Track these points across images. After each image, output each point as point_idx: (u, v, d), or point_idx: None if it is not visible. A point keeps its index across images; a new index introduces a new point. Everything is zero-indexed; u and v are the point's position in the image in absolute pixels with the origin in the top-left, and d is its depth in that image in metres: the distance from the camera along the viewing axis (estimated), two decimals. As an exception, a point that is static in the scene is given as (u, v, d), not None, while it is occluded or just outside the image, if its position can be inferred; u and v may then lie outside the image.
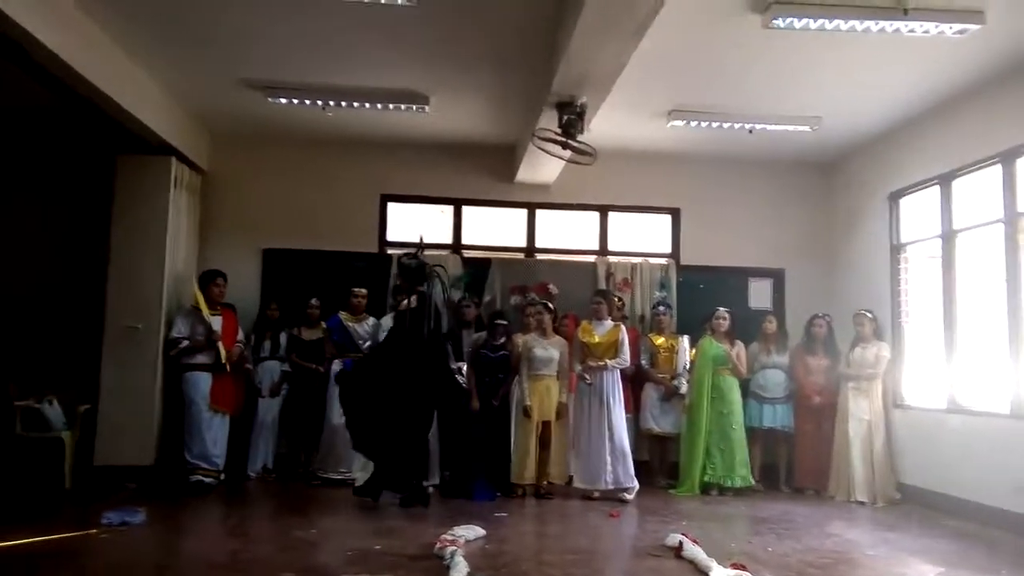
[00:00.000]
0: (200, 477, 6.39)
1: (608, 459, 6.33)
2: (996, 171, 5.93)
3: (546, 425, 6.40)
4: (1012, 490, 5.45)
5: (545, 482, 6.42)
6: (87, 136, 7.19)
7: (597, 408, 6.40)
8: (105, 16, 5.32)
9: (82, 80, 5.34)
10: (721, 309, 7.10)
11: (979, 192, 6.21)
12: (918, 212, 7.00)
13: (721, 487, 6.78)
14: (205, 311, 6.60)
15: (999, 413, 5.72)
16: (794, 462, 7.20)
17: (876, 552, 4.90)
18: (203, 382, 6.55)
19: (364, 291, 7.14)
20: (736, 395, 6.93)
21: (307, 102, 6.63)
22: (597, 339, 6.54)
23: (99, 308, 6.69)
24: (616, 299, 7.41)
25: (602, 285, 7.77)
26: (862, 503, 6.59)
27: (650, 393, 7.21)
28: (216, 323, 6.64)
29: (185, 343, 6.62)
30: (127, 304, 6.67)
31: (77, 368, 6.77)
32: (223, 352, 6.57)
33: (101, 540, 4.64)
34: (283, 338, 7.14)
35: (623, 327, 6.69)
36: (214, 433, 6.55)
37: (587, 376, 6.41)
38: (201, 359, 6.60)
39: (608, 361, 6.43)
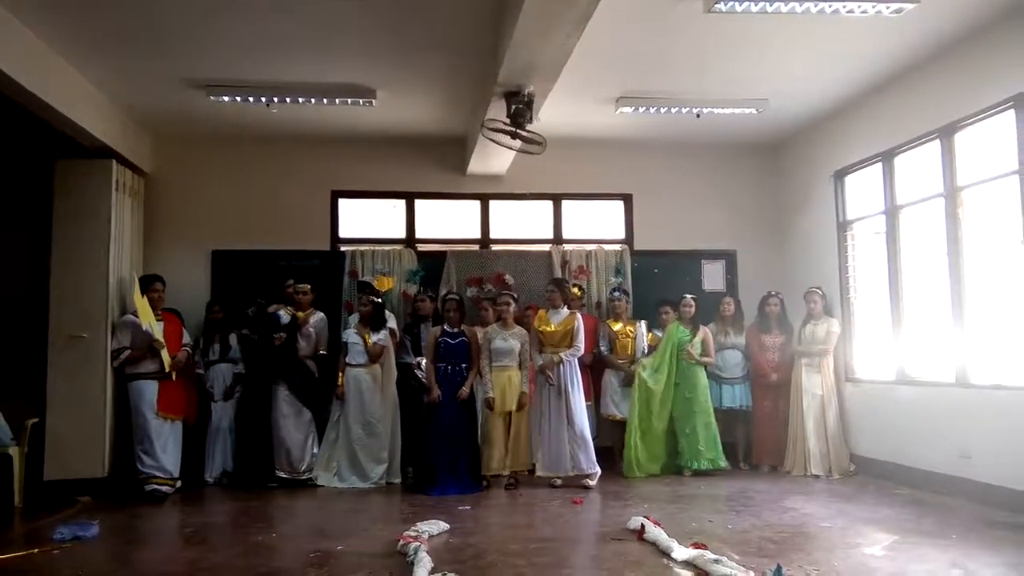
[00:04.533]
0: (156, 486, 6.26)
1: (568, 446, 6.37)
2: (935, 146, 6.08)
3: (510, 416, 6.41)
4: (959, 456, 5.63)
5: (512, 472, 6.42)
6: (23, 141, 6.96)
7: (556, 396, 6.43)
8: (34, 17, 5.14)
9: (13, 83, 5.16)
10: (688, 296, 7.22)
11: (920, 168, 6.36)
12: (863, 189, 7.15)
13: (690, 469, 6.86)
14: (150, 317, 6.44)
15: (945, 382, 5.89)
16: (752, 440, 7.32)
17: (832, 524, 5.02)
18: (149, 390, 6.40)
19: (308, 287, 7.01)
20: (701, 379, 6.99)
21: (251, 99, 6.50)
22: (553, 327, 6.56)
23: (43, 318, 6.48)
24: (575, 287, 7.44)
25: (558, 273, 7.79)
26: (817, 476, 6.74)
27: (610, 379, 7.25)
28: (158, 329, 6.49)
29: (127, 352, 6.46)
30: (71, 313, 6.47)
31: (22, 380, 6.56)
32: (167, 360, 6.44)
33: (53, 556, 4.51)
34: (233, 339, 7.01)
35: (579, 315, 6.73)
36: (164, 441, 6.42)
37: (551, 376, 6.42)
38: (146, 367, 6.45)
39: (562, 355, 6.45)
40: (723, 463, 6.92)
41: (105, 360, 6.49)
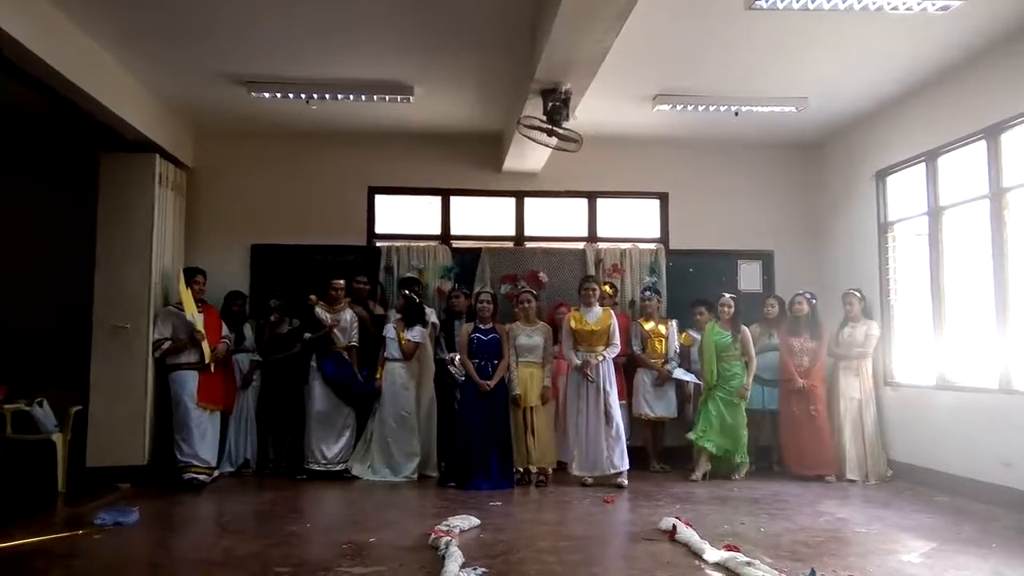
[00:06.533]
0: (194, 475, 6.38)
1: (606, 444, 6.36)
2: (981, 147, 5.94)
3: (531, 411, 6.46)
4: (1001, 464, 5.50)
5: (540, 469, 6.45)
6: (70, 134, 7.13)
7: (595, 395, 6.42)
8: (81, 13, 5.26)
9: (61, 78, 5.29)
10: (726, 295, 7.02)
11: (965, 168, 6.23)
12: (905, 190, 7.02)
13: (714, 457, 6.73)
14: (192, 309, 6.55)
15: (988, 388, 5.76)
16: (782, 446, 7.13)
17: (868, 529, 4.94)
18: (190, 380, 6.52)
19: (342, 283, 7.06)
20: (739, 381, 6.77)
21: (290, 95, 6.58)
22: (589, 326, 6.54)
23: (87, 308, 6.64)
24: (607, 285, 7.41)
25: (591, 272, 7.78)
26: (853, 481, 6.64)
27: (643, 378, 7.21)
28: (200, 321, 6.59)
29: (168, 343, 6.59)
30: (115, 303, 6.62)
31: (67, 369, 6.74)
32: (207, 351, 6.55)
33: (94, 540, 4.63)
34: (247, 329, 7.12)
35: (613, 313, 6.71)
36: (203, 430, 6.53)
37: (590, 374, 6.40)
38: (187, 358, 6.57)
39: (604, 354, 6.46)
40: (746, 460, 6.75)
41: (147, 350, 6.63)
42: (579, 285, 6.87)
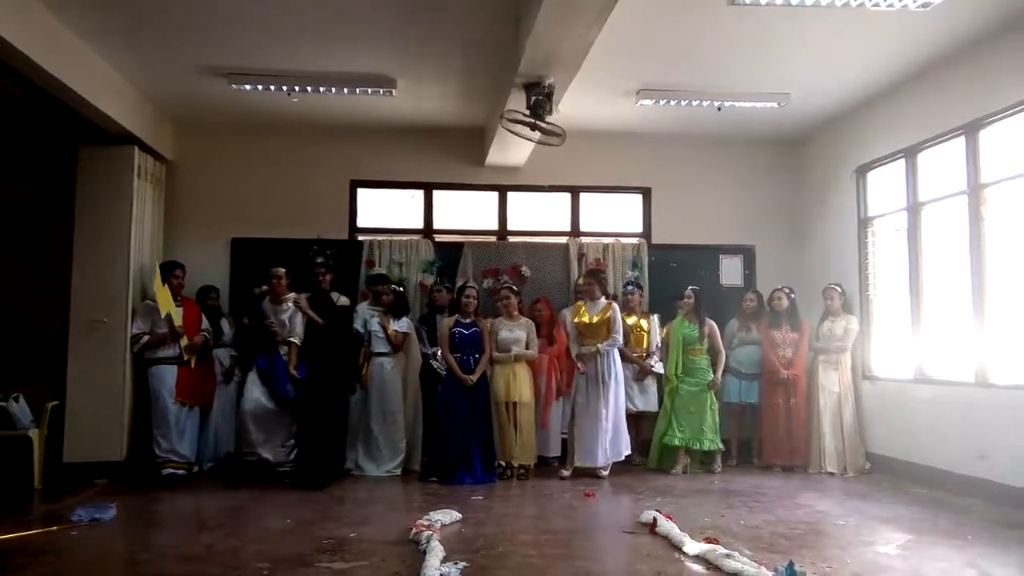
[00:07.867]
0: (172, 470, 6.33)
1: (609, 435, 6.44)
2: (960, 143, 6.00)
3: (514, 406, 6.47)
4: (977, 456, 5.57)
5: (516, 463, 6.46)
6: (48, 126, 7.04)
7: (593, 387, 6.48)
8: (61, 4, 5.18)
9: (37, 69, 5.21)
10: (688, 288, 7.06)
11: (944, 164, 6.28)
12: (885, 186, 7.07)
13: (690, 450, 6.77)
14: (169, 305, 6.48)
15: (964, 382, 5.83)
16: (762, 437, 7.19)
17: (846, 521, 4.99)
18: (168, 375, 6.46)
19: (283, 271, 6.73)
20: (707, 375, 6.85)
21: (272, 88, 6.53)
22: (589, 319, 6.58)
23: (64, 302, 6.56)
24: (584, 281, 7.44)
25: (574, 266, 7.81)
26: (832, 474, 6.71)
27: (624, 372, 7.21)
28: (179, 315, 6.53)
29: (146, 338, 6.52)
30: (93, 298, 6.55)
31: (43, 364, 6.65)
32: (184, 345, 6.49)
33: (71, 536, 4.58)
34: (224, 324, 7.06)
35: (615, 305, 6.74)
36: (182, 426, 6.47)
37: (580, 365, 6.49)
38: (165, 353, 6.51)
39: (599, 345, 6.49)
40: (719, 446, 6.82)
41: (125, 345, 6.57)
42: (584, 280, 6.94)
